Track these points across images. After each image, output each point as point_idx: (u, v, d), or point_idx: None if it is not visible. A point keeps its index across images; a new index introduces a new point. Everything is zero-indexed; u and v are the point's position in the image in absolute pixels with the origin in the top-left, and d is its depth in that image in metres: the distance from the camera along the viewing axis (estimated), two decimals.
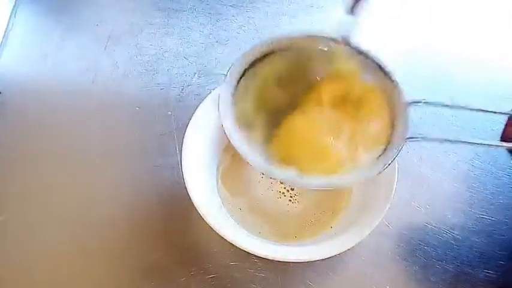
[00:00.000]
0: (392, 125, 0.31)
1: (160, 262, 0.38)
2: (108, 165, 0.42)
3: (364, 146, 0.30)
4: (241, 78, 0.32)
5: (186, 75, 0.47)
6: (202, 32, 0.50)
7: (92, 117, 0.45)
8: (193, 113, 0.37)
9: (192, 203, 0.33)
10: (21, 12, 0.51)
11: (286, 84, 0.32)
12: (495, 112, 0.31)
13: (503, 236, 0.40)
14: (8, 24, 0.49)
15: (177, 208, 0.40)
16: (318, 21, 0.52)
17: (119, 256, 0.38)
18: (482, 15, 0.53)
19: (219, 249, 0.38)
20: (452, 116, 0.45)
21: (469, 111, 0.31)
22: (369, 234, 0.33)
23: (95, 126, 0.44)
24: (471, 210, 0.41)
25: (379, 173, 0.29)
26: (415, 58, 0.50)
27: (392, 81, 0.31)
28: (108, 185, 0.41)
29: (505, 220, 0.41)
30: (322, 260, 0.32)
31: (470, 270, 0.38)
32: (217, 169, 0.40)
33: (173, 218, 0.40)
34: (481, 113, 0.31)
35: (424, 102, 0.31)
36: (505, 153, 0.43)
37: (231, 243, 0.32)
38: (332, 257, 0.32)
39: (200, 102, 0.37)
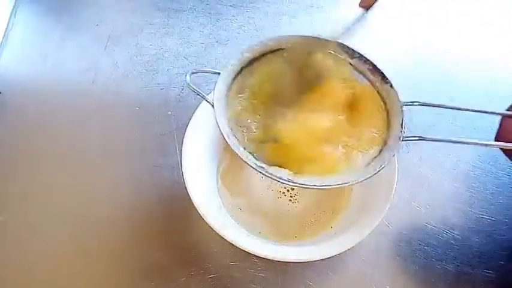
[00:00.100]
0: (388, 126, 0.31)
1: (160, 262, 0.38)
2: (108, 165, 0.42)
3: (360, 147, 0.30)
4: (236, 78, 0.32)
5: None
6: (202, 32, 0.50)
7: (92, 117, 0.45)
8: (193, 113, 0.37)
9: (192, 203, 0.33)
10: (21, 12, 0.51)
11: (281, 85, 0.32)
12: (488, 112, 0.31)
13: (503, 236, 0.40)
14: (8, 24, 0.49)
15: (177, 208, 0.40)
16: (318, 21, 0.52)
17: (119, 256, 0.38)
18: (482, 15, 0.53)
19: (219, 249, 0.38)
20: (452, 116, 0.46)
21: (469, 111, 0.31)
22: (369, 234, 0.33)
23: (95, 126, 0.44)
24: (471, 210, 0.41)
25: (374, 174, 0.29)
26: (415, 58, 0.50)
27: (387, 82, 0.31)
28: (108, 185, 0.41)
29: (505, 220, 0.41)
30: (322, 260, 0.32)
31: (470, 270, 0.38)
32: (217, 169, 0.40)
33: (173, 218, 0.40)
34: (480, 113, 0.32)
35: (419, 104, 0.31)
36: None
37: (231, 243, 0.32)
38: (332, 257, 0.32)
39: (200, 102, 0.37)
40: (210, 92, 0.31)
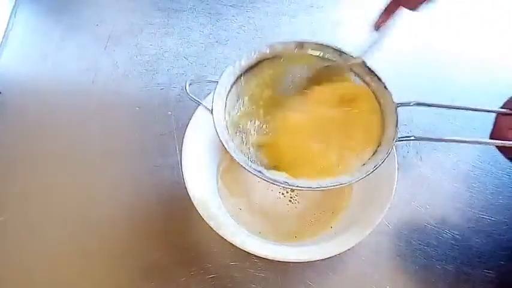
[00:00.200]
0: (383, 127, 0.31)
1: (160, 262, 0.38)
2: (108, 165, 0.42)
3: (355, 148, 0.31)
4: (234, 84, 0.32)
5: (186, 75, 0.47)
6: (202, 32, 0.50)
7: (92, 117, 0.45)
8: (193, 113, 0.37)
9: (192, 203, 0.33)
10: (21, 12, 0.51)
11: (278, 90, 0.33)
12: (482, 110, 0.31)
13: (503, 236, 0.40)
14: (8, 24, 0.49)
15: (177, 208, 0.40)
16: (318, 21, 0.52)
17: (119, 256, 0.38)
18: (482, 15, 0.53)
19: (219, 249, 0.38)
20: (452, 117, 0.46)
21: (468, 111, 0.32)
22: (369, 234, 0.33)
23: (95, 126, 0.44)
24: (471, 210, 0.41)
25: (369, 174, 0.29)
26: (415, 58, 0.50)
27: (381, 84, 0.31)
28: (108, 185, 0.41)
29: (505, 220, 0.41)
30: (322, 260, 0.32)
31: (470, 270, 0.38)
32: (217, 169, 0.40)
33: (173, 218, 0.40)
34: (479, 113, 0.32)
35: (415, 103, 0.31)
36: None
37: (231, 243, 0.32)
38: (332, 257, 0.32)
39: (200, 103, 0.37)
40: (209, 93, 0.31)
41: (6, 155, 0.43)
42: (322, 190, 0.29)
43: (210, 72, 0.47)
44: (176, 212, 0.40)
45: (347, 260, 0.38)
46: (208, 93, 0.37)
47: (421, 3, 0.31)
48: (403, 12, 0.32)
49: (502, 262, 0.39)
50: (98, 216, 0.40)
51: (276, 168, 0.30)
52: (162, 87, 0.47)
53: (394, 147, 0.30)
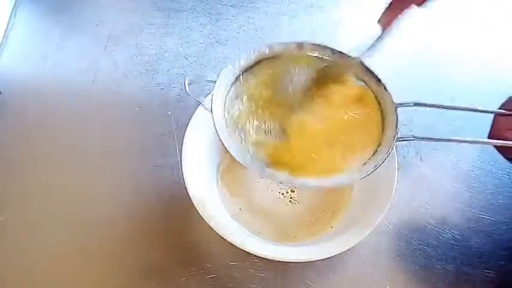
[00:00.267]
0: (383, 127, 0.31)
1: (160, 262, 0.38)
2: (108, 165, 0.42)
3: (356, 148, 0.31)
4: (233, 83, 0.32)
5: (186, 75, 0.47)
6: (202, 32, 0.50)
7: (92, 117, 0.45)
8: (193, 113, 0.37)
9: (192, 203, 0.33)
10: (21, 12, 0.51)
11: (277, 89, 0.33)
12: (480, 111, 0.31)
13: (503, 236, 0.40)
14: (8, 24, 0.49)
15: (177, 208, 0.40)
16: (318, 22, 0.52)
17: (119, 256, 0.38)
18: (482, 15, 0.53)
19: (219, 249, 0.38)
20: (452, 117, 0.45)
21: (467, 111, 0.32)
22: (369, 234, 0.33)
23: (95, 126, 0.44)
24: (471, 210, 0.41)
25: (369, 174, 0.29)
26: (415, 58, 0.50)
27: (381, 84, 0.32)
28: (108, 185, 0.41)
29: (505, 220, 0.41)
30: (322, 260, 0.32)
31: (470, 270, 0.38)
32: (217, 169, 0.40)
33: (173, 218, 0.40)
34: (479, 113, 0.32)
35: (414, 104, 0.31)
36: None
37: (231, 243, 0.32)
38: (332, 257, 0.32)
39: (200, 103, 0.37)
40: (209, 93, 0.31)
41: (6, 155, 0.43)
42: (323, 189, 0.29)
43: (210, 72, 0.47)
44: (176, 212, 0.40)
45: (347, 260, 0.38)
46: (208, 93, 0.37)
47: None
48: (409, 10, 0.32)
49: (502, 262, 0.39)
50: (98, 216, 0.40)
51: (276, 167, 0.30)
52: (162, 87, 0.47)
53: (394, 147, 0.30)
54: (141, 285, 0.37)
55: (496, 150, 0.33)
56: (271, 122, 0.32)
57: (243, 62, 0.32)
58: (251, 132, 0.31)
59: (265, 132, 0.31)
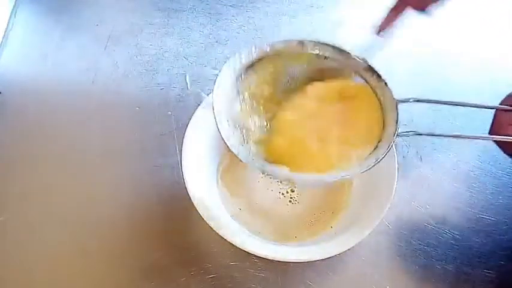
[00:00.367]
0: (384, 123, 0.31)
1: (160, 262, 0.38)
2: (108, 165, 0.42)
3: (356, 143, 0.31)
4: (235, 80, 0.32)
5: (186, 75, 0.47)
6: (202, 32, 0.50)
7: (92, 117, 0.45)
8: (193, 113, 0.37)
9: (192, 203, 0.33)
10: (21, 12, 0.51)
11: (278, 86, 0.33)
12: (481, 106, 0.32)
13: (503, 236, 0.40)
14: (8, 24, 0.49)
15: (177, 208, 0.40)
16: (318, 22, 0.52)
17: (119, 256, 0.38)
18: (482, 15, 0.53)
19: (219, 249, 0.38)
20: (453, 116, 0.46)
21: (467, 110, 0.32)
22: (369, 234, 0.33)
23: (95, 126, 0.44)
24: (471, 210, 0.41)
25: (370, 168, 0.29)
26: (415, 58, 0.50)
27: (381, 80, 0.32)
28: (108, 185, 0.41)
29: (505, 220, 0.41)
30: (322, 260, 0.32)
31: (470, 270, 0.38)
32: (217, 169, 0.40)
33: (173, 218, 0.40)
34: (479, 112, 0.32)
35: (414, 100, 0.31)
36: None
37: (231, 243, 0.32)
38: (332, 257, 0.32)
39: (200, 103, 0.37)
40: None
41: (6, 155, 0.43)
42: (324, 184, 0.29)
43: (210, 73, 0.47)
44: (176, 212, 0.40)
45: (347, 260, 0.38)
46: (209, 94, 0.37)
47: (430, 4, 0.31)
48: (410, 16, 0.32)
49: (502, 262, 0.39)
50: (98, 216, 0.40)
51: (277, 164, 0.30)
52: (162, 87, 0.47)
53: (394, 147, 0.30)
54: (141, 285, 0.37)
55: (496, 150, 0.33)
56: (271, 119, 0.32)
57: (244, 59, 0.32)
58: (252, 129, 0.31)
59: (265, 129, 0.31)
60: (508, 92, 0.33)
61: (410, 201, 0.41)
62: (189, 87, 0.32)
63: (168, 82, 0.47)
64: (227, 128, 0.30)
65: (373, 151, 0.31)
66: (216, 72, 0.32)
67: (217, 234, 0.32)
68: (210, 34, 0.50)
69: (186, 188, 0.34)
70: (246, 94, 0.32)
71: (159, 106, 0.45)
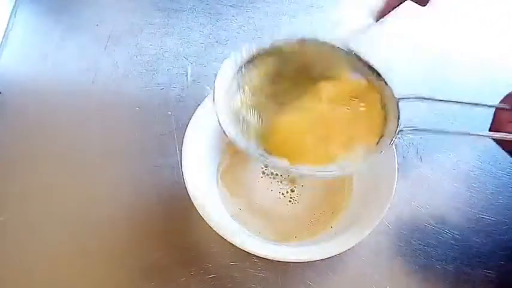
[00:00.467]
0: (385, 120, 0.31)
1: (160, 262, 0.38)
2: (108, 165, 0.42)
3: (357, 140, 0.31)
4: (236, 74, 0.32)
5: (186, 75, 0.47)
6: (202, 32, 0.50)
7: (92, 117, 0.45)
8: (193, 113, 0.37)
9: (192, 203, 0.33)
10: (21, 12, 0.51)
11: (280, 81, 0.33)
12: (481, 105, 0.32)
13: (503, 236, 0.40)
14: (8, 24, 0.49)
15: (177, 208, 0.40)
16: (318, 21, 0.52)
17: (119, 256, 0.38)
18: (482, 15, 0.53)
19: (219, 249, 0.38)
20: (453, 116, 0.45)
21: (467, 110, 0.32)
22: (369, 234, 0.33)
23: (95, 126, 0.44)
24: (471, 210, 0.41)
25: (370, 163, 0.30)
26: (415, 58, 0.50)
27: (381, 79, 0.32)
28: (108, 185, 0.41)
29: (505, 220, 0.41)
30: (322, 260, 0.32)
31: (470, 270, 0.38)
32: (217, 169, 0.40)
33: (173, 218, 0.40)
34: (479, 111, 0.32)
35: (414, 97, 0.31)
36: (505, 153, 0.43)
37: (231, 243, 0.32)
38: (332, 257, 0.32)
39: (200, 103, 0.37)
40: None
41: (6, 155, 0.43)
42: (325, 177, 0.29)
43: (210, 72, 0.47)
44: (176, 212, 0.40)
45: (347, 260, 0.38)
46: (208, 94, 0.37)
47: None
48: (410, 8, 0.32)
49: (502, 262, 0.39)
50: (98, 216, 0.40)
51: (277, 157, 0.30)
52: (162, 87, 0.47)
53: (394, 147, 0.30)
54: (141, 285, 0.37)
55: (496, 150, 0.33)
56: (273, 113, 0.32)
57: (245, 53, 0.32)
58: (253, 123, 0.31)
59: (267, 122, 0.32)
60: (508, 92, 0.33)
61: (410, 201, 0.41)
62: (188, 87, 0.32)
63: (168, 82, 0.47)
64: (228, 122, 0.30)
65: (375, 147, 0.31)
66: (217, 72, 0.32)
67: (217, 234, 0.32)
68: (210, 34, 0.50)
69: (186, 188, 0.34)
70: (246, 88, 0.32)
71: (159, 106, 0.45)
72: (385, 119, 0.32)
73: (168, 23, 0.51)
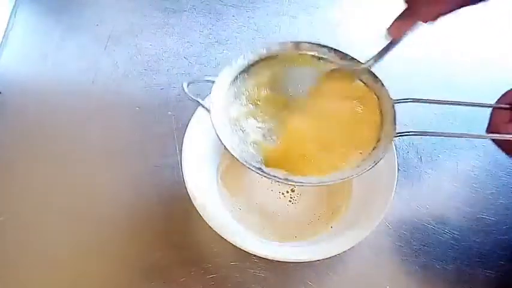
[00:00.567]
0: (382, 124, 0.31)
1: (160, 262, 0.38)
2: (108, 165, 0.42)
3: (355, 144, 0.31)
4: (232, 83, 0.32)
5: (186, 75, 0.47)
6: (202, 32, 0.50)
7: (92, 117, 0.45)
8: (193, 113, 0.37)
9: (192, 203, 0.33)
10: (21, 12, 0.51)
11: (276, 89, 0.33)
12: (478, 105, 0.32)
13: (503, 236, 0.40)
14: (8, 24, 0.49)
15: (177, 208, 0.40)
16: (318, 22, 0.52)
17: (119, 256, 0.38)
18: (482, 15, 0.53)
19: (219, 249, 0.38)
20: (453, 117, 0.46)
21: (466, 110, 0.32)
22: (369, 234, 0.33)
23: (95, 126, 0.44)
24: (471, 210, 0.41)
25: (369, 169, 0.29)
26: (415, 58, 0.50)
27: (378, 81, 0.32)
28: (108, 185, 0.41)
29: (505, 220, 0.41)
30: (322, 260, 0.32)
31: (470, 270, 0.38)
32: (217, 169, 0.40)
33: (173, 218, 0.40)
34: (478, 112, 0.32)
35: (412, 100, 0.31)
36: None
37: (231, 243, 0.32)
38: (332, 257, 0.32)
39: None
40: (211, 93, 0.31)
41: (6, 155, 0.43)
42: (323, 185, 0.29)
43: (210, 72, 0.47)
44: (176, 212, 0.40)
45: (347, 260, 0.38)
46: (208, 94, 0.37)
47: (440, 15, 0.31)
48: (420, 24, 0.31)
49: (502, 262, 0.39)
50: (98, 216, 0.40)
51: (276, 166, 0.30)
52: (162, 87, 0.47)
53: (394, 147, 0.30)
54: (141, 285, 0.37)
55: (496, 151, 0.33)
56: (268, 122, 0.32)
57: (241, 61, 0.32)
58: (250, 132, 0.31)
59: (263, 132, 0.31)
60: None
61: (410, 201, 0.41)
62: (187, 93, 0.32)
63: (168, 82, 0.47)
64: (225, 131, 0.30)
65: (371, 151, 0.31)
66: (216, 72, 0.32)
67: (217, 234, 0.32)
68: (210, 34, 0.50)
69: (186, 188, 0.34)
70: (243, 97, 0.32)
71: (159, 106, 0.45)
72: (381, 122, 0.31)
73: (168, 23, 0.51)
